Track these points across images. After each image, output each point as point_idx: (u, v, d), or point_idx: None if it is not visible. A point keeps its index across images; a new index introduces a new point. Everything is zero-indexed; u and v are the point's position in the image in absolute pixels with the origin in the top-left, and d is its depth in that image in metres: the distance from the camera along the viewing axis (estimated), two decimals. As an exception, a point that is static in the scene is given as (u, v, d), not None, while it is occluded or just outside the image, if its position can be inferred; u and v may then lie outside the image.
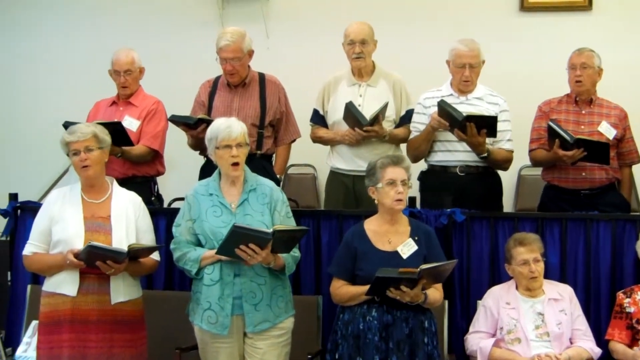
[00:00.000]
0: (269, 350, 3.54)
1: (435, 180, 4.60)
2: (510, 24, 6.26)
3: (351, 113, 4.51)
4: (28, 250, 3.67)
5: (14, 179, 6.26)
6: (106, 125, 3.81)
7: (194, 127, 4.44)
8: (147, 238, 3.72)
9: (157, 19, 6.74)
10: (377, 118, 4.49)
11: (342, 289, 3.59)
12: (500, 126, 4.38)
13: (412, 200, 4.39)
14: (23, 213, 4.76)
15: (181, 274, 4.30)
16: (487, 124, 4.30)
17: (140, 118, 4.76)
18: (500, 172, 4.69)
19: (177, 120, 4.53)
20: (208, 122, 4.31)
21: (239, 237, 3.31)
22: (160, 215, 4.48)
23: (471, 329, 3.92)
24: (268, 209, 3.59)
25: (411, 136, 4.65)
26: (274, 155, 4.78)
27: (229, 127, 3.54)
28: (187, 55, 6.51)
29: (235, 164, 3.55)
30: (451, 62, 4.53)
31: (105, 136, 3.71)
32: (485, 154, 4.41)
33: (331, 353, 3.60)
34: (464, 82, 4.50)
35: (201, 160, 4.73)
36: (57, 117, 4.89)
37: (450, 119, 4.31)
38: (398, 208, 3.60)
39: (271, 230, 3.35)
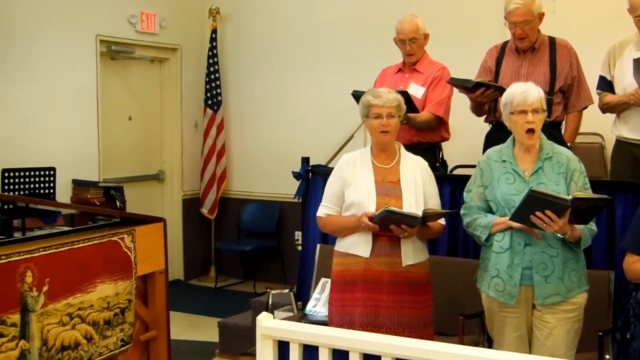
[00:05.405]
0: (558, 324, 3.40)
1: None
2: None
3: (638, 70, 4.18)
4: (322, 212, 3.80)
5: (306, 144, 6.66)
6: None
7: (472, 91, 4.40)
8: (434, 202, 3.73)
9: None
10: None
11: (638, 265, 3.36)
12: None
13: None
14: (314, 176, 5.05)
15: (465, 241, 4.33)
16: None
17: (425, 85, 4.78)
18: None
19: (455, 83, 4.52)
20: (487, 87, 4.31)
21: (535, 202, 3.20)
22: (444, 182, 4.49)
23: None
24: (564, 178, 3.44)
25: None
26: (562, 123, 4.58)
27: (525, 92, 3.42)
28: (472, 19, 6.45)
29: (530, 131, 3.43)
30: None
31: (404, 105, 3.76)
32: None
33: (621, 332, 3.41)
34: None
35: (486, 127, 4.68)
36: (345, 85, 5.09)
37: None
38: None
39: (571, 197, 3.20)
